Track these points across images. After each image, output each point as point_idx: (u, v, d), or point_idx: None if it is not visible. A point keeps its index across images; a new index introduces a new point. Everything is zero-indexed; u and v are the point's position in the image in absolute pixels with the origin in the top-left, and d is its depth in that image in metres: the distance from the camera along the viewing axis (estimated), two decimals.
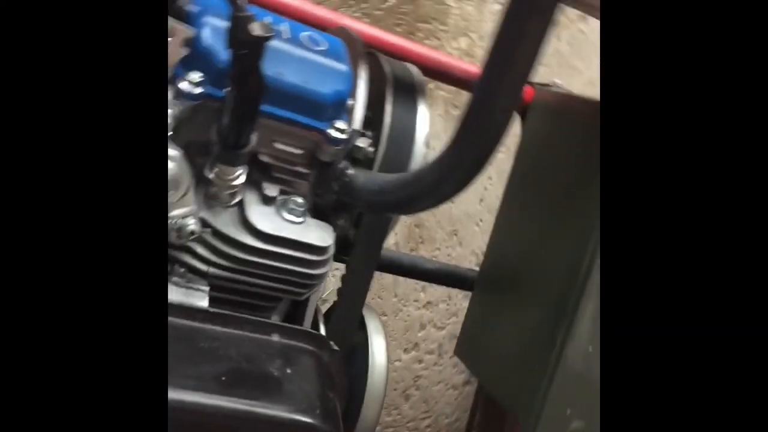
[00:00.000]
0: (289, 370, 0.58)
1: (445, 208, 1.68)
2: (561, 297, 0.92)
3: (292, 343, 0.61)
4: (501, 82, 0.60)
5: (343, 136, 0.67)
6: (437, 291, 1.72)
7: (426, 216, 1.67)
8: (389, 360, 0.86)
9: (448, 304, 1.76)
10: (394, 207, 0.68)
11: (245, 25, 0.55)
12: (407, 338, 1.74)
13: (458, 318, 1.75)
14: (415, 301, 1.73)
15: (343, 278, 0.82)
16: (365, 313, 0.88)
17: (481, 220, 1.72)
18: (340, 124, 0.67)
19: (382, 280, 1.67)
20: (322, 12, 1.02)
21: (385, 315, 1.70)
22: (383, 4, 1.52)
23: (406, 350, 1.75)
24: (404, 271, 1.28)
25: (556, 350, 0.91)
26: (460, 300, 1.74)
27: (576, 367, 0.91)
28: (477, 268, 1.19)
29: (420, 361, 1.77)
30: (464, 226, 1.72)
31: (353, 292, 0.82)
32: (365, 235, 0.79)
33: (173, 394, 0.50)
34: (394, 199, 0.67)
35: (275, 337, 0.61)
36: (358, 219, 0.78)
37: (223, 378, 0.54)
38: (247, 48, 0.56)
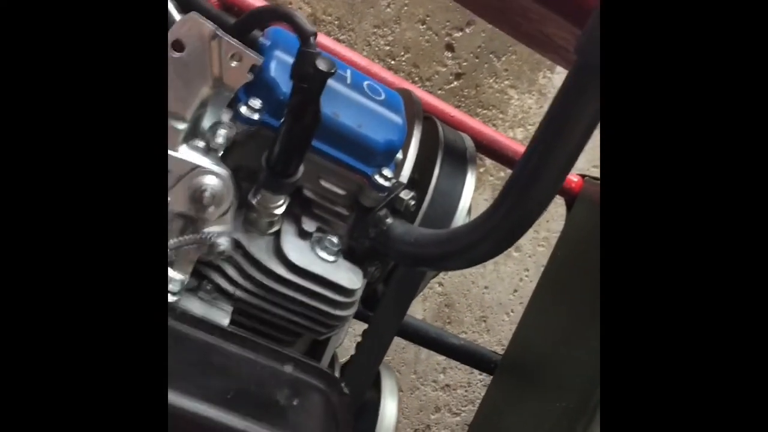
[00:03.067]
0: (295, 402, 0.58)
1: (478, 294, 1.67)
2: (584, 391, 0.90)
3: (304, 377, 0.61)
4: (549, 155, 0.61)
5: (388, 184, 0.68)
6: (457, 374, 1.69)
7: (457, 297, 1.66)
8: (398, 422, 0.84)
9: (466, 390, 1.72)
10: (427, 261, 0.69)
11: (311, 59, 0.57)
12: (420, 419, 1.70)
13: (474, 406, 1.71)
14: (434, 381, 1.70)
15: (365, 333, 0.81)
16: (383, 372, 0.86)
17: (512, 311, 1.70)
18: (387, 172, 0.68)
19: (403, 354, 1.65)
20: (388, 75, 1.05)
21: (401, 391, 1.67)
22: (447, 84, 1.56)
23: (416, 431, 1.70)
24: (428, 342, 1.27)
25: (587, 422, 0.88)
26: (480, 388, 1.71)
27: None
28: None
29: None
30: (495, 313, 1.70)
31: (373, 348, 0.81)
32: (394, 292, 0.79)
33: (175, 399, 0.50)
34: (427, 253, 0.67)
35: (288, 368, 0.61)
36: (389, 275, 0.78)
37: (229, 395, 0.54)
38: (309, 81, 0.58)
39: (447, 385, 1.71)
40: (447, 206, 0.77)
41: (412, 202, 0.71)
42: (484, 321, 1.70)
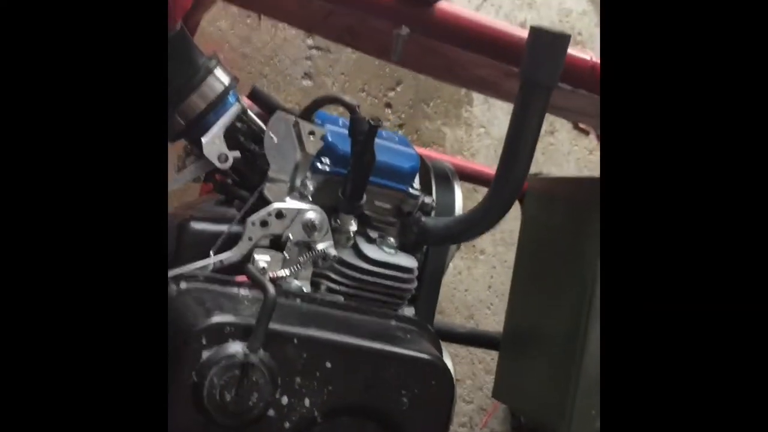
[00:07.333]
0: (408, 336, 0.89)
1: (461, 297, 2.00)
2: (567, 339, 1.20)
3: (404, 325, 0.93)
4: (519, 148, 0.95)
5: (418, 193, 1.02)
6: (462, 369, 2.00)
7: (446, 304, 1.99)
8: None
9: (473, 380, 2.03)
10: (458, 237, 1.03)
11: (362, 120, 0.91)
12: None
13: (483, 392, 2.02)
14: None
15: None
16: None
17: (491, 304, 2.03)
18: (416, 185, 1.02)
19: None
20: None
21: None
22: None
23: None
24: (440, 335, 1.58)
25: (575, 365, 1.18)
26: (483, 376, 2.02)
27: (593, 374, 1.18)
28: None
29: None
30: (478, 310, 2.03)
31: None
32: (430, 273, 1.11)
33: (330, 335, 0.80)
34: (456, 231, 1.02)
35: (393, 322, 0.92)
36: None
37: (364, 333, 0.85)
38: (364, 135, 0.91)
39: (456, 380, 2.01)
40: (447, 210, 1.11)
41: (433, 203, 1.05)
42: (472, 318, 2.02)
